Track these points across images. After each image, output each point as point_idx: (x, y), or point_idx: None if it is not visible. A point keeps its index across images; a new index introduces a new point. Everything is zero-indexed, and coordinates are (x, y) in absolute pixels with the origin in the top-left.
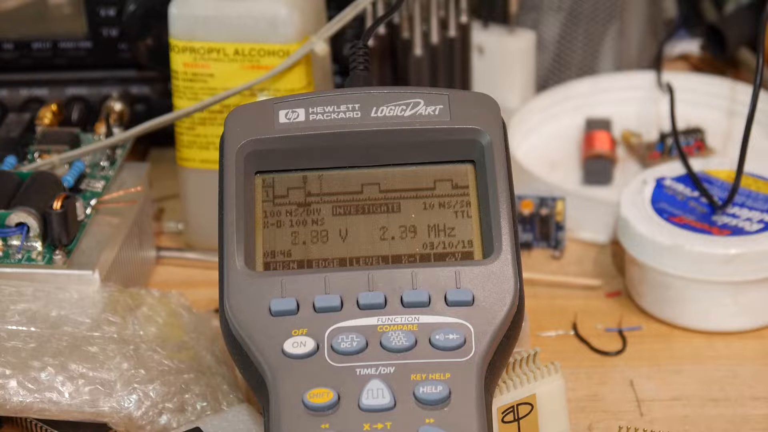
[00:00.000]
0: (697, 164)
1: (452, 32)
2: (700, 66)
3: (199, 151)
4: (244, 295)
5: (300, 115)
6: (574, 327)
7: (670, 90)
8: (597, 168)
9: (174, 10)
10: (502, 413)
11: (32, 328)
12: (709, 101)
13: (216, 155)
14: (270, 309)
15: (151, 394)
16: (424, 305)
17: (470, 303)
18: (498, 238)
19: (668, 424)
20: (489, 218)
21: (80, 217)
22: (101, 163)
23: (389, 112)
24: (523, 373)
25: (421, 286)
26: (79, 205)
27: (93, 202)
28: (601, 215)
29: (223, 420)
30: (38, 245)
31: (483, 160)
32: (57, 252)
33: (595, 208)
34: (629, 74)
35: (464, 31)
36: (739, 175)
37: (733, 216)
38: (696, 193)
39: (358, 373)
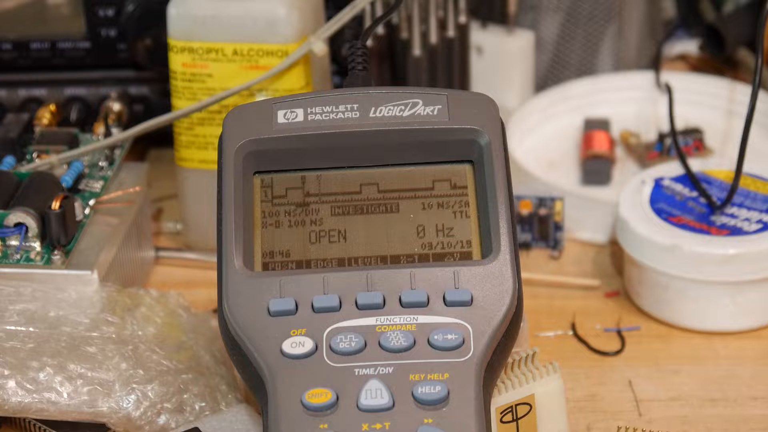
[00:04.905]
0: (696, 164)
1: (451, 32)
2: (698, 66)
3: (197, 151)
4: (242, 295)
5: (299, 115)
6: (573, 327)
7: (668, 90)
8: (596, 168)
9: (172, 11)
10: (501, 413)
11: (31, 329)
12: (708, 101)
13: (215, 155)
14: (268, 309)
15: (150, 394)
16: (422, 305)
17: (469, 303)
18: (496, 238)
19: (667, 424)
20: (488, 218)
21: (79, 217)
22: (100, 164)
23: (388, 112)
24: (521, 374)
25: (419, 286)
26: (77, 205)
27: (91, 202)
28: (600, 215)
29: (221, 420)
30: (37, 245)
31: (482, 160)
32: (55, 252)
33: (594, 208)
34: (628, 74)
35: (463, 31)
36: (737, 175)
37: (732, 216)
38: (695, 193)
39: (356, 373)
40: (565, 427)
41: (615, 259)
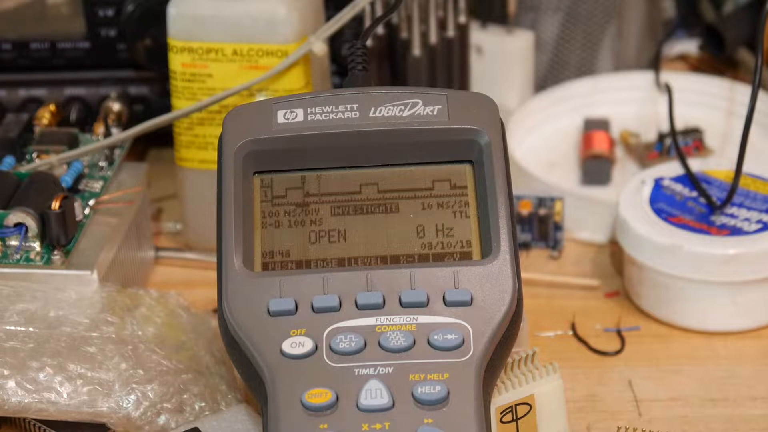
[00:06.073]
0: (696, 164)
1: (451, 32)
2: (698, 66)
3: (197, 151)
4: (242, 295)
5: (298, 115)
6: (573, 327)
7: (668, 90)
8: (595, 168)
9: (172, 10)
10: (501, 413)
11: (30, 329)
12: (708, 101)
13: (215, 155)
14: (268, 309)
15: (150, 394)
16: (422, 305)
17: (469, 303)
18: (496, 239)
19: (667, 424)
20: (487, 218)
21: (78, 217)
22: (100, 164)
23: (388, 113)
24: (521, 374)
25: (419, 286)
26: (77, 205)
27: (91, 202)
28: (600, 215)
29: (221, 420)
30: (37, 245)
31: (481, 160)
32: (55, 252)
33: (594, 209)
34: (628, 74)
35: (463, 31)
36: (737, 175)
37: (732, 216)
38: (694, 193)
39: (356, 373)
40: (565, 427)
41: (615, 259)
